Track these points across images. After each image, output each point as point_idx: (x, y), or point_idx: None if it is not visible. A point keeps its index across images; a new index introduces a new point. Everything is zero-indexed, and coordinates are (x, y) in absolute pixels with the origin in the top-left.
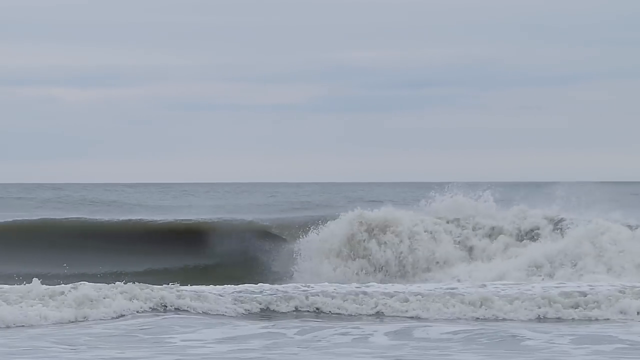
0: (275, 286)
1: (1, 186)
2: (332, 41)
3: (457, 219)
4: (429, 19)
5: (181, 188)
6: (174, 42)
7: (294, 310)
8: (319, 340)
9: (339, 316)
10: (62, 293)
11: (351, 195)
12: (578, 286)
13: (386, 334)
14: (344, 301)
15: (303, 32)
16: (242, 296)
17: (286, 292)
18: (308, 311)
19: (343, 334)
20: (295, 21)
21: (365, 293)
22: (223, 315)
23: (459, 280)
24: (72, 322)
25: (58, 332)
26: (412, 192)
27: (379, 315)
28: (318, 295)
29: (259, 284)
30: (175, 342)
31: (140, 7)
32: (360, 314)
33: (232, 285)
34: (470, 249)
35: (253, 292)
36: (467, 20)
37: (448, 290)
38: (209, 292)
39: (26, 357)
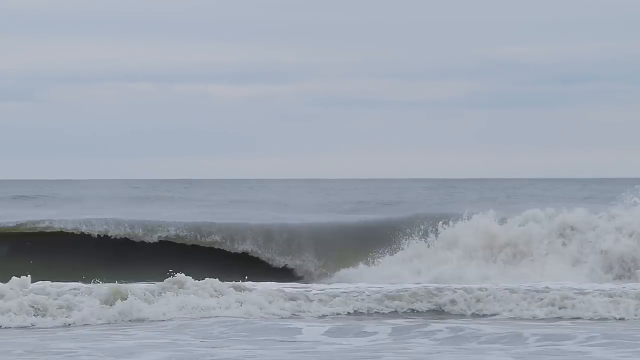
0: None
1: (159, 182)
2: (481, 37)
3: None
4: (580, 13)
5: (329, 185)
6: (325, 40)
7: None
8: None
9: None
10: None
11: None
12: None
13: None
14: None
15: (452, 28)
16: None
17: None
18: None
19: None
20: (443, 17)
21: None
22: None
23: None
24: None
25: (196, 323)
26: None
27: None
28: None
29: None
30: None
31: (292, 5)
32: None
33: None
34: None
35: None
36: (620, 14)
37: None
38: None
39: (166, 349)
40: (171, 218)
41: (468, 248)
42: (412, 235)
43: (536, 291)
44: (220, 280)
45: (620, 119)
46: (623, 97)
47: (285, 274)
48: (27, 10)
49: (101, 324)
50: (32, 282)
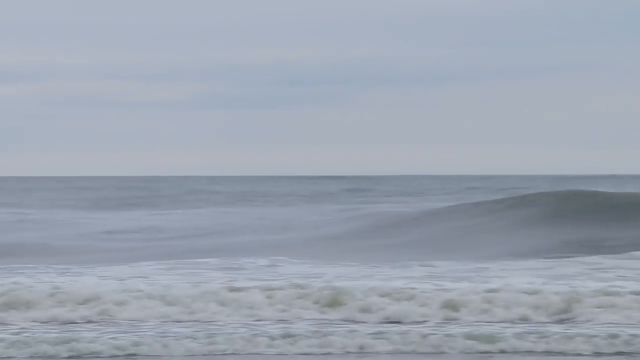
0: None
1: None
2: (212, 40)
3: None
4: (308, 16)
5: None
6: (59, 40)
7: None
8: None
9: None
10: None
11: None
12: None
13: None
14: None
15: (186, 32)
16: None
17: None
18: None
19: None
20: (174, 22)
21: None
22: None
23: None
24: None
25: None
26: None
27: None
28: None
29: None
30: None
31: (30, 5)
32: None
33: None
34: None
35: None
36: (330, 19)
37: None
38: None
39: None
40: None
41: None
42: None
43: None
44: None
45: (339, 119)
46: (339, 99)
47: None
48: None
49: None
50: None
